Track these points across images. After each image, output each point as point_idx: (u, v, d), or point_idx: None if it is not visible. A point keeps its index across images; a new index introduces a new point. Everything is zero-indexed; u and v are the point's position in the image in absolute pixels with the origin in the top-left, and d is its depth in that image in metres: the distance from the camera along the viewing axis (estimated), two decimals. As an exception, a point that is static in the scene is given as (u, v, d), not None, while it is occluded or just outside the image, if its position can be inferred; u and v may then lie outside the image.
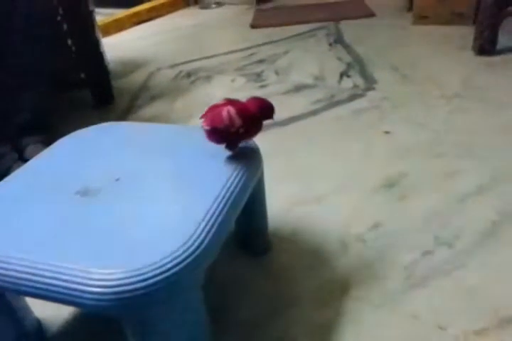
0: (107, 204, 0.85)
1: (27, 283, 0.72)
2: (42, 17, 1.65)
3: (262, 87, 2.16)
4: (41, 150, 1.08)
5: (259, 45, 2.69)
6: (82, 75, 2.03)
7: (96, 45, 2.01)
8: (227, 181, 0.89)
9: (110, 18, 3.22)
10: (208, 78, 2.33)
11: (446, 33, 2.58)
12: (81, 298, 0.69)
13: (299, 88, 2.12)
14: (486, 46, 2.23)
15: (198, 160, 0.98)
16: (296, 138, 1.74)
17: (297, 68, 2.33)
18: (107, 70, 2.08)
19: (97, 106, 2.09)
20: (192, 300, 0.77)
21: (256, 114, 0.93)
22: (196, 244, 0.73)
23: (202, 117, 0.93)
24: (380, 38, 2.67)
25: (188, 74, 2.39)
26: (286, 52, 2.55)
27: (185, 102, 2.09)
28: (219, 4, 3.72)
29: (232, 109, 0.90)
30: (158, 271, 0.69)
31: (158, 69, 2.49)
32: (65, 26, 1.90)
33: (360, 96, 2.00)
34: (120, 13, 3.35)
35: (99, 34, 2.02)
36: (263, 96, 0.99)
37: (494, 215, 1.26)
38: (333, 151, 1.63)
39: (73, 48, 1.96)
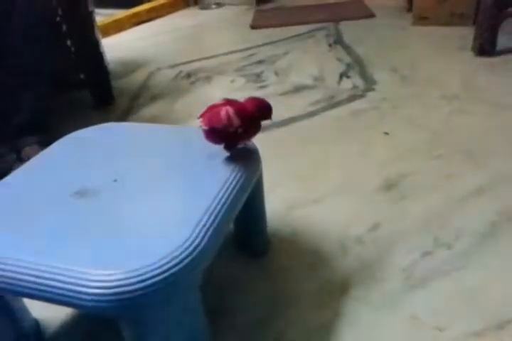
0: (105, 205, 0.85)
1: (25, 284, 0.72)
2: (41, 17, 1.64)
3: (262, 87, 2.16)
4: (38, 151, 1.08)
5: (258, 46, 2.69)
6: (82, 76, 2.03)
7: (95, 45, 2.01)
8: (226, 182, 0.89)
9: (110, 19, 3.22)
10: (208, 78, 2.33)
11: (446, 34, 2.58)
12: (79, 299, 0.69)
13: (298, 89, 2.12)
14: (486, 47, 2.23)
15: (196, 161, 0.98)
16: (296, 138, 1.74)
17: (297, 69, 2.33)
18: (107, 71, 2.08)
19: (96, 107, 2.08)
20: (190, 301, 0.77)
21: (254, 114, 0.93)
22: (194, 244, 0.73)
23: (200, 117, 0.93)
24: (380, 38, 2.67)
25: (188, 75, 2.39)
26: (285, 53, 2.55)
27: (185, 103, 2.09)
28: (219, 5, 3.73)
29: (230, 109, 0.90)
30: (156, 272, 0.68)
31: (158, 69, 2.49)
32: (64, 27, 1.90)
33: (360, 97, 2.00)
34: (120, 13, 3.35)
35: (98, 34, 2.02)
36: (262, 97, 0.99)
37: (494, 216, 1.26)
38: (333, 152, 1.63)
39: (72, 49, 1.96)
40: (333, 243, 1.22)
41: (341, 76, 2.20)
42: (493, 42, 2.23)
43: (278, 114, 1.81)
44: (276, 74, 2.29)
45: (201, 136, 0.93)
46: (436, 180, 1.43)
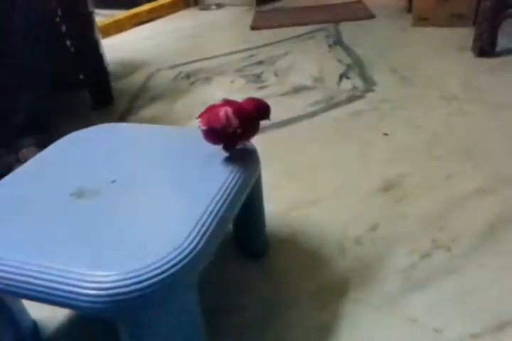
0: (104, 205, 0.85)
1: (22, 285, 0.72)
2: (41, 18, 1.64)
3: (262, 88, 2.16)
4: (35, 153, 1.07)
5: (258, 47, 2.69)
6: (82, 76, 2.03)
7: (95, 46, 2.01)
8: (224, 182, 0.88)
9: (110, 19, 3.22)
10: (208, 79, 2.33)
11: (445, 35, 2.58)
12: (76, 300, 0.69)
13: (298, 89, 2.12)
14: (486, 48, 2.23)
15: (195, 162, 0.98)
16: (295, 139, 1.73)
17: (297, 70, 2.33)
18: (107, 71, 2.07)
19: (96, 107, 2.08)
20: (187, 302, 0.77)
21: (253, 115, 0.93)
22: (192, 246, 0.73)
23: (199, 117, 0.93)
24: (380, 39, 2.67)
25: (188, 76, 2.39)
26: (285, 54, 2.55)
27: (185, 103, 2.09)
28: (219, 6, 3.73)
29: (229, 110, 0.90)
30: (153, 273, 0.68)
31: (158, 70, 2.49)
32: (64, 27, 1.90)
33: (360, 97, 2.00)
34: (120, 14, 3.35)
35: (98, 35, 2.02)
36: (262, 98, 0.99)
37: (492, 218, 1.25)
38: (332, 153, 1.63)
39: (72, 49, 1.96)
40: (332, 244, 1.22)
41: (341, 77, 2.20)
42: (492, 43, 2.23)
43: (278, 114, 1.82)
44: (276, 74, 2.29)
45: (200, 136, 0.92)
46: (436, 180, 1.43)
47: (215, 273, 1.05)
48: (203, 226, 0.77)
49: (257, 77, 2.28)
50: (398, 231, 1.24)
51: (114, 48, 2.64)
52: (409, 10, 2.91)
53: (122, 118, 1.98)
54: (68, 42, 1.95)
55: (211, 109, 0.93)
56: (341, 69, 2.29)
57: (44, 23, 1.68)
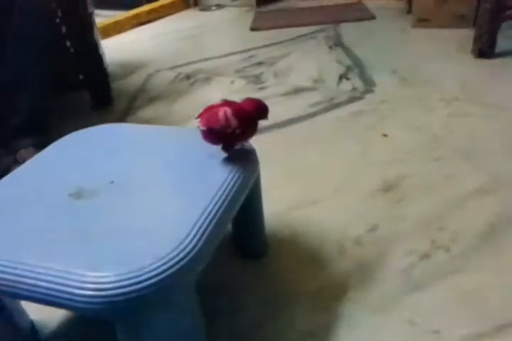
0: (102, 206, 0.85)
1: (20, 285, 0.71)
2: (41, 18, 1.64)
3: (261, 89, 2.16)
4: (33, 154, 1.07)
5: (258, 48, 2.69)
6: (81, 77, 2.03)
7: (95, 46, 2.00)
8: (223, 183, 0.88)
9: (110, 20, 3.22)
10: (207, 80, 2.33)
11: (446, 36, 2.58)
12: (74, 301, 0.68)
13: (298, 90, 2.12)
14: (485, 50, 2.23)
15: (194, 162, 0.97)
16: (295, 140, 1.73)
17: (296, 70, 2.33)
18: (106, 72, 2.07)
19: (95, 108, 2.08)
20: (186, 303, 0.77)
21: (252, 115, 0.93)
22: (190, 246, 0.73)
23: (198, 117, 0.92)
24: (380, 40, 2.67)
25: (187, 76, 2.39)
26: (285, 55, 2.55)
27: (184, 104, 2.09)
28: (219, 6, 3.73)
29: (228, 110, 0.90)
30: (151, 274, 0.68)
31: (158, 71, 2.49)
32: (63, 28, 1.90)
33: (359, 98, 2.00)
34: (120, 15, 3.35)
35: (98, 36, 2.02)
36: (262, 98, 0.98)
37: (492, 219, 1.25)
38: (332, 154, 1.63)
39: (72, 50, 1.96)
40: (331, 244, 1.22)
41: (341, 78, 2.20)
42: (492, 44, 2.23)
43: (277, 115, 1.84)
44: (276, 75, 2.29)
45: (199, 136, 0.92)
46: (436, 181, 1.43)
47: (214, 273, 1.05)
48: (201, 226, 0.77)
49: (257, 78, 2.28)
50: (398, 231, 1.24)
51: (114, 49, 2.64)
52: (410, 11, 2.91)
53: (121, 118, 1.98)
54: (68, 43, 1.95)
55: (210, 110, 0.93)
56: (341, 70, 2.29)
57: (44, 23, 1.68)
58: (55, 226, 0.80)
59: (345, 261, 1.16)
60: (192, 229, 0.76)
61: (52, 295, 0.70)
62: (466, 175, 1.44)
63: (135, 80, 2.39)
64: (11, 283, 0.72)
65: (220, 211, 0.82)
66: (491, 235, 1.20)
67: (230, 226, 1.15)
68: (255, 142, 1.03)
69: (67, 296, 0.68)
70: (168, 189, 0.91)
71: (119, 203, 0.85)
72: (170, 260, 0.70)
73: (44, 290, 0.70)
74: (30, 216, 0.83)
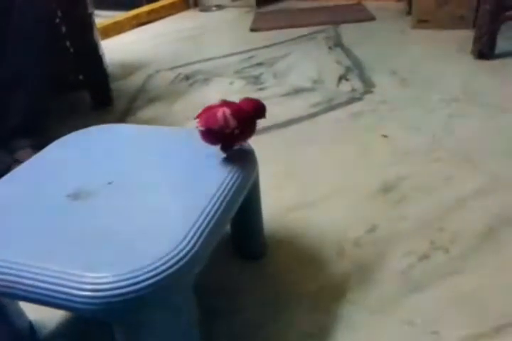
0: (100, 207, 0.84)
1: (18, 286, 0.71)
2: (40, 19, 1.64)
3: (261, 89, 2.16)
4: (31, 155, 1.07)
5: (258, 48, 2.69)
6: (81, 77, 2.03)
7: (95, 47, 2.00)
8: (222, 183, 0.88)
9: (110, 21, 3.22)
10: (207, 80, 2.33)
11: (445, 37, 2.59)
12: (72, 301, 0.68)
13: (297, 91, 2.12)
14: (485, 51, 2.23)
15: (193, 163, 0.97)
16: (294, 141, 1.73)
17: (296, 71, 2.33)
18: (106, 73, 2.07)
19: (95, 108, 2.08)
20: (184, 304, 0.76)
21: (251, 115, 0.93)
22: (189, 247, 0.73)
23: (197, 117, 0.92)
24: (380, 41, 2.67)
25: (187, 77, 2.39)
26: (285, 55, 2.55)
27: (184, 105, 2.09)
28: (219, 7, 3.73)
29: (227, 110, 0.90)
30: (149, 275, 0.68)
31: (157, 71, 2.49)
32: (63, 28, 1.90)
33: (359, 99, 2.00)
34: (120, 15, 3.35)
35: (98, 36, 2.02)
36: (261, 99, 0.98)
37: (491, 220, 1.25)
38: (331, 154, 1.62)
39: (71, 50, 1.96)
40: (330, 245, 1.21)
41: (340, 78, 2.20)
42: (492, 45, 2.23)
43: (277, 115, 1.84)
44: (276, 76, 2.29)
45: (197, 137, 0.92)
46: (435, 182, 1.43)
47: (212, 274, 1.04)
48: (200, 227, 0.77)
49: (257, 79, 2.28)
50: (397, 232, 1.24)
51: (114, 49, 2.64)
52: (409, 12, 2.91)
53: (121, 118, 1.98)
54: (68, 44, 1.95)
55: (209, 110, 0.92)
56: (341, 70, 2.29)
57: (44, 23, 1.68)
58: (53, 227, 0.80)
59: (344, 262, 1.16)
60: (190, 230, 0.76)
61: (50, 296, 0.70)
62: (466, 175, 1.44)
63: (135, 81, 2.39)
64: (9, 284, 0.72)
65: (219, 211, 0.82)
66: (490, 236, 1.20)
67: (228, 227, 1.15)
68: (254, 142, 1.03)
69: (65, 297, 0.68)
70: (166, 189, 0.91)
71: (117, 204, 0.85)
72: (168, 260, 0.70)
73: (42, 291, 0.70)
74: (28, 216, 0.83)
